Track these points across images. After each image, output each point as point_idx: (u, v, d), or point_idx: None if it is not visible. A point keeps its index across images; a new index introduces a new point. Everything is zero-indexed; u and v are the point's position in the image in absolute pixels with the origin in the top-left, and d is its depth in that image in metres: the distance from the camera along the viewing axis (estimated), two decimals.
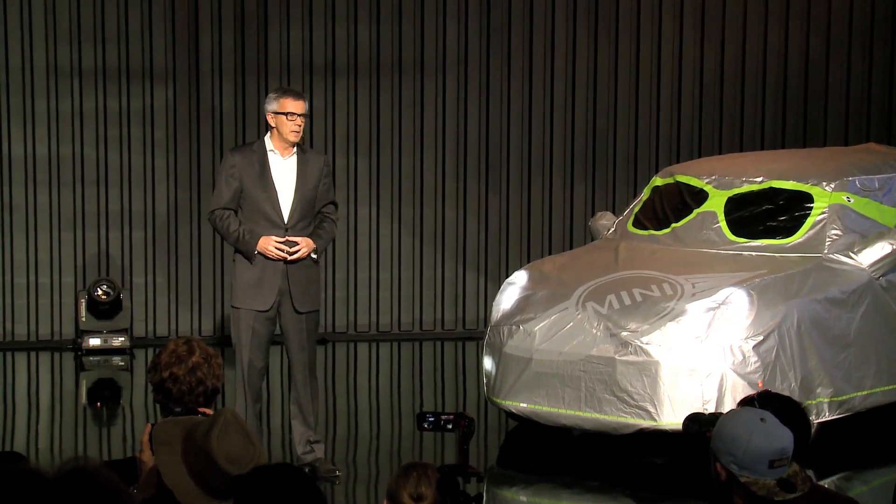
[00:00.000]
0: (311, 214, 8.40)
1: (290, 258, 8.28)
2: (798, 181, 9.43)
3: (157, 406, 5.06)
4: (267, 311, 8.32)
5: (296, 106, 8.29)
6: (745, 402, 4.82)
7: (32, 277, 12.21)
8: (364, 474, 9.10)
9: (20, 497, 2.03)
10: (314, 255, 8.37)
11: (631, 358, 8.52)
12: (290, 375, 8.61)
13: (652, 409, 8.43)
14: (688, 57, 12.78)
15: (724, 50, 12.82)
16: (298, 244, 8.29)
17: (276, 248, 8.26)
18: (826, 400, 8.74)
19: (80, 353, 11.87)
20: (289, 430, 8.83)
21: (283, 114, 8.28)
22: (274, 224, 8.31)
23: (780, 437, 4.21)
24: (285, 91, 8.47)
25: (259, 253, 8.28)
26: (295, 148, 8.39)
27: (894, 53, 12.97)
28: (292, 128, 8.29)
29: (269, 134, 8.38)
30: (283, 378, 10.98)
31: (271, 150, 8.36)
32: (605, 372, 8.55)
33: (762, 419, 4.22)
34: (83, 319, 11.90)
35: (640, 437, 8.59)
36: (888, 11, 12.93)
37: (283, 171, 8.35)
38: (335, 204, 8.61)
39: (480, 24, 12.57)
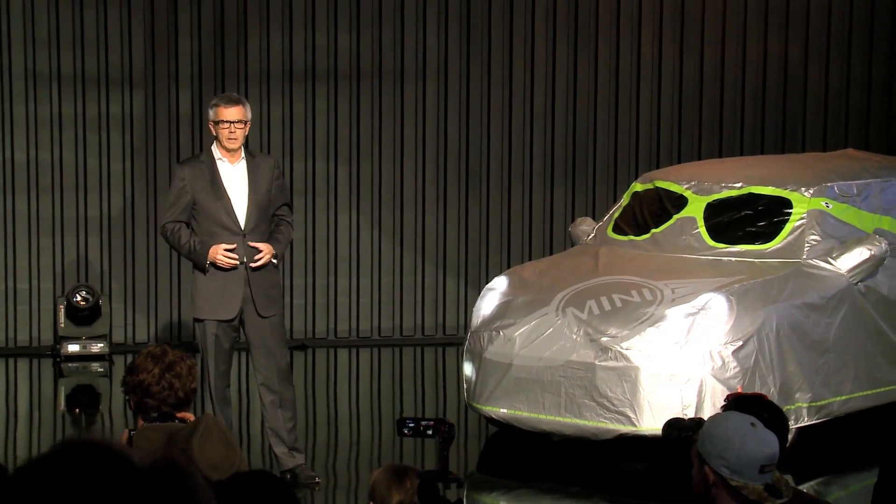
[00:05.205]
0: (266, 218, 8.39)
1: (254, 266, 8.26)
2: (777, 187, 9.46)
3: (138, 412, 5.06)
4: (231, 320, 8.30)
5: (229, 114, 8.26)
6: (735, 404, 4.84)
7: (11, 284, 12.17)
8: (344, 480, 9.10)
9: (109, 484, 1.97)
10: (274, 261, 8.36)
11: (611, 363, 8.54)
12: (259, 394, 8.52)
13: (632, 415, 8.45)
14: (667, 63, 12.81)
15: (704, 56, 12.86)
16: (261, 251, 8.27)
17: (226, 256, 8.22)
18: (805, 405, 8.77)
19: (58, 359, 11.84)
20: (269, 436, 8.82)
21: (218, 122, 8.29)
22: (232, 232, 8.28)
23: (772, 442, 4.25)
24: (220, 99, 8.46)
25: (211, 263, 8.26)
26: (243, 153, 8.38)
27: (871, 60, 13.02)
28: (227, 136, 8.27)
29: (214, 143, 8.38)
30: None
31: (220, 159, 8.33)
32: (585, 377, 8.57)
33: (752, 424, 4.25)
34: (62, 326, 11.86)
35: (620, 443, 8.60)
36: (865, 19, 12.99)
37: (234, 178, 8.33)
38: (289, 205, 8.59)
39: (460, 31, 12.59)
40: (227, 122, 8.25)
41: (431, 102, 12.58)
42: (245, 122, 8.30)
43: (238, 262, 8.24)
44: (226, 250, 8.23)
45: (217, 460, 4.18)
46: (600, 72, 12.75)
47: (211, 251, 8.23)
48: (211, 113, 8.35)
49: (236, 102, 8.34)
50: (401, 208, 12.59)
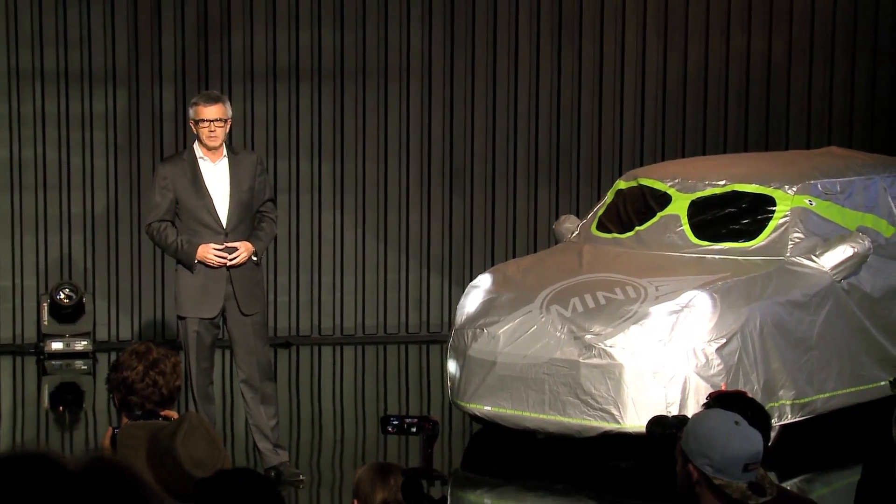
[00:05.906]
0: (249, 216, 8.37)
1: (230, 264, 8.25)
2: (760, 184, 9.48)
3: (122, 410, 5.05)
4: (213, 318, 8.30)
5: (208, 112, 8.22)
6: (717, 402, 4.85)
7: None
8: (328, 478, 9.09)
9: (40, 490, 1.97)
10: (255, 258, 8.34)
11: (594, 361, 8.54)
12: (241, 392, 8.51)
13: (616, 412, 8.46)
14: (651, 62, 12.82)
15: (688, 55, 12.87)
16: (238, 249, 8.26)
17: (216, 255, 8.22)
18: (788, 402, 8.79)
19: (42, 357, 11.81)
20: (253, 432, 8.81)
21: (198, 121, 8.26)
22: (214, 231, 8.27)
23: (756, 440, 4.25)
24: (200, 97, 8.42)
25: (199, 262, 8.25)
26: (225, 151, 8.35)
27: (855, 58, 13.05)
28: (207, 134, 8.24)
29: (195, 141, 8.36)
30: None
31: (201, 157, 8.31)
32: (569, 375, 8.57)
33: (736, 422, 4.25)
34: (45, 323, 11.83)
35: (604, 440, 8.61)
36: (849, 17, 13.02)
37: (216, 176, 8.31)
38: (273, 201, 8.58)
39: (444, 30, 12.58)
40: (206, 120, 8.23)
41: (415, 101, 12.58)
42: (225, 121, 8.28)
43: (228, 260, 8.25)
44: (216, 250, 8.23)
45: (201, 458, 4.17)
46: (584, 70, 12.75)
47: (200, 250, 8.22)
48: (191, 112, 8.33)
49: (216, 101, 8.31)
50: (385, 206, 12.59)
